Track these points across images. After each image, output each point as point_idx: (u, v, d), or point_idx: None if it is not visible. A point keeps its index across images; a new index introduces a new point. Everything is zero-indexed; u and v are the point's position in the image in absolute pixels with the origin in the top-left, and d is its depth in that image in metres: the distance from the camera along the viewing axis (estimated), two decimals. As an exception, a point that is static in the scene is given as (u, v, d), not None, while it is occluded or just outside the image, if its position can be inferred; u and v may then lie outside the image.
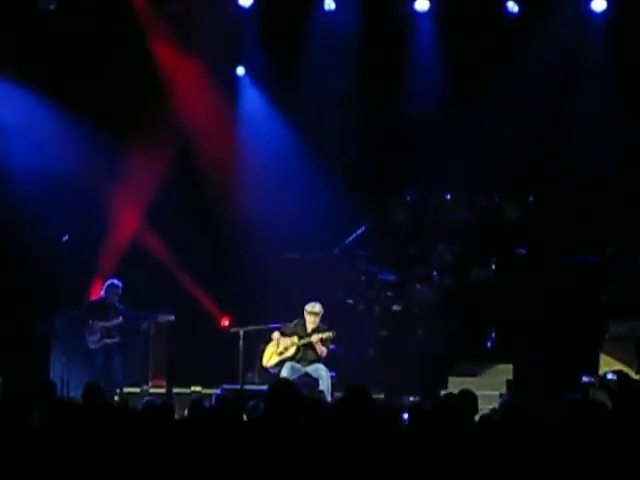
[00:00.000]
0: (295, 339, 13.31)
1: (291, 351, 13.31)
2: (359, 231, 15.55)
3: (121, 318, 14.15)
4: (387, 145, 15.60)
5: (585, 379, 12.22)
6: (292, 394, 6.81)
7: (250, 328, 13.74)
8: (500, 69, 15.12)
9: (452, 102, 15.15)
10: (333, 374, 13.28)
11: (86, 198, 15.34)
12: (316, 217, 15.17)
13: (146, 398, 8.46)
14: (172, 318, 14.62)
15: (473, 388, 8.53)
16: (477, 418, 7.48)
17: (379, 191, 16.07)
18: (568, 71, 15.17)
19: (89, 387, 8.28)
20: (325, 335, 13.17)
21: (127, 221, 15.99)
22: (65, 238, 14.67)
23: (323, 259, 15.27)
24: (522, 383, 13.49)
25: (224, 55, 16.04)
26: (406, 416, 7.26)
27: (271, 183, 15.79)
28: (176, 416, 7.75)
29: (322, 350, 13.19)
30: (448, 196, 15.95)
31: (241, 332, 13.58)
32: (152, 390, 14.27)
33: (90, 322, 14.09)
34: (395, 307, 15.23)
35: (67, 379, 13.59)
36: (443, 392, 12.32)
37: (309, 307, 13.36)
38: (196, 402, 8.66)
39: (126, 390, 13.92)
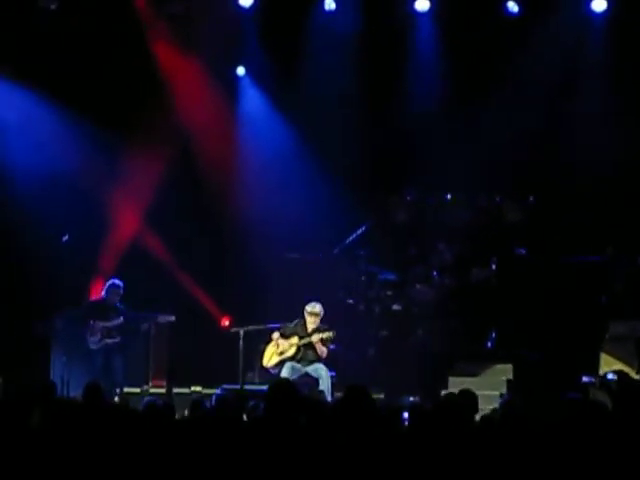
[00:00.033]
0: (295, 339, 13.31)
1: (291, 351, 13.32)
2: (359, 231, 15.55)
3: (122, 318, 14.15)
4: (387, 145, 15.60)
5: (585, 379, 12.22)
6: (292, 394, 6.81)
7: (250, 328, 13.74)
8: (500, 69, 15.12)
9: (452, 102, 15.15)
10: (333, 374, 13.28)
11: (86, 198, 15.34)
12: (316, 217, 15.17)
13: (146, 398, 8.46)
14: (172, 319, 14.62)
15: (473, 388, 8.53)
16: (477, 418, 7.48)
17: (379, 191, 16.08)
18: (568, 71, 15.16)
19: (89, 387, 8.28)
20: (325, 335, 13.17)
21: (127, 221, 15.99)
22: (65, 238, 14.66)
23: (323, 259, 15.27)
24: (522, 383, 13.50)
25: (224, 55, 16.05)
26: (406, 416, 7.26)
27: (271, 183, 15.79)
28: (176, 416, 7.75)
29: (322, 350, 13.19)
30: (448, 196, 15.96)
31: (241, 332, 13.59)
32: (152, 390, 14.26)
33: (91, 322, 14.09)
34: (395, 307, 15.23)
35: (67, 379, 13.59)
36: (443, 392, 12.32)
37: (309, 308, 13.36)
38: (197, 402, 8.66)
39: (126, 390, 13.92)
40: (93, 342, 14.09)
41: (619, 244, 14.30)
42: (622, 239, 14.33)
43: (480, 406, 7.93)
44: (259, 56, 15.94)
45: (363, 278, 15.40)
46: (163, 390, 14.36)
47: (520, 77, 15.04)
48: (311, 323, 13.35)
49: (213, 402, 8.61)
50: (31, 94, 15.30)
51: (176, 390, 14.21)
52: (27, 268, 15.17)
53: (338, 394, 12.17)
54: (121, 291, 14.26)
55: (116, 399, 13.23)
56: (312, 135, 15.47)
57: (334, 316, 13.70)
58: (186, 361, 14.73)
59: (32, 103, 15.37)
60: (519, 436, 6.52)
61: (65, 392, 13.21)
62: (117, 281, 14.31)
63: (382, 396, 13.08)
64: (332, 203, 15.18)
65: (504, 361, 14.09)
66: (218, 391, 12.36)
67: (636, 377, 12.05)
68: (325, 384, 12.96)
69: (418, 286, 15.26)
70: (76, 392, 11.76)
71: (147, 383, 14.66)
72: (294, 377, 12.80)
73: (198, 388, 13.94)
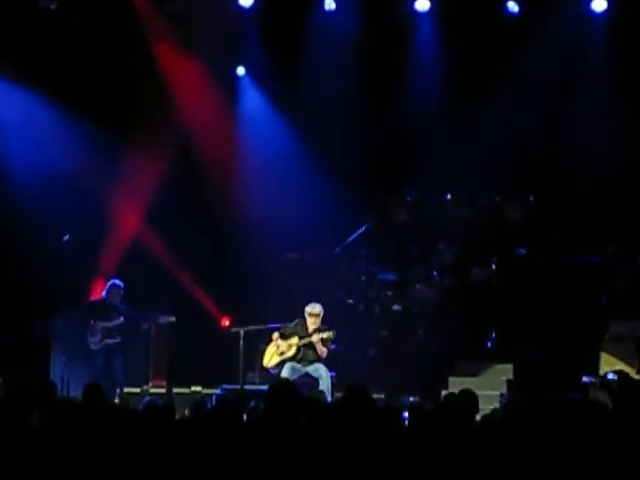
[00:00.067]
0: (295, 339, 13.31)
1: (291, 351, 13.31)
2: (359, 231, 15.56)
3: (122, 318, 14.15)
4: (387, 145, 15.60)
5: (585, 379, 12.21)
6: (292, 394, 6.81)
7: (250, 328, 13.73)
8: (500, 69, 15.12)
9: (452, 102, 15.16)
10: (333, 374, 13.28)
11: (86, 198, 15.33)
12: (316, 217, 15.17)
13: (146, 398, 8.46)
14: (173, 319, 14.61)
15: (473, 388, 8.53)
16: (478, 418, 7.48)
17: (379, 191, 16.08)
18: (568, 71, 15.17)
19: (89, 387, 8.27)
20: (326, 335, 13.16)
21: (127, 221, 15.99)
22: (65, 238, 14.67)
23: (323, 259, 15.27)
24: (522, 383, 13.50)
25: (224, 55, 16.05)
26: (406, 416, 7.26)
27: (271, 183, 15.79)
28: (176, 416, 7.74)
29: (322, 350, 13.19)
30: (448, 196, 15.96)
31: (241, 332, 13.58)
32: (152, 390, 14.27)
33: (91, 322, 14.08)
34: (395, 307, 15.23)
35: (67, 379, 13.59)
36: (443, 392, 12.32)
37: (309, 308, 13.36)
38: (198, 403, 8.65)
39: (126, 390, 13.91)
40: (93, 342, 14.08)
41: (619, 244, 14.31)
42: (622, 239, 14.34)
43: (480, 406, 7.93)
44: (259, 56, 15.95)
45: (363, 278, 15.41)
46: (163, 390, 14.36)
47: (520, 77, 15.04)
48: (311, 323, 13.34)
49: (213, 402, 8.61)
50: (31, 94, 15.30)
51: (176, 390, 14.21)
52: (27, 268, 15.17)
53: (338, 394, 12.17)
54: (122, 291, 14.25)
55: (116, 399, 13.23)
56: (312, 135, 15.47)
57: (334, 316, 13.70)
58: (186, 361, 14.73)
59: (32, 103, 15.37)
60: (519, 436, 6.52)
61: (65, 392, 13.20)
62: (118, 281, 14.31)
63: (382, 396, 13.07)
64: (332, 203, 15.19)
65: (504, 361, 14.09)
66: (218, 391, 12.38)
67: (636, 377, 12.05)
68: (325, 384, 12.96)
69: (418, 286, 15.26)
70: (76, 392, 11.74)
71: (147, 383, 14.66)
72: (294, 377, 12.80)
73: (198, 388, 13.95)
